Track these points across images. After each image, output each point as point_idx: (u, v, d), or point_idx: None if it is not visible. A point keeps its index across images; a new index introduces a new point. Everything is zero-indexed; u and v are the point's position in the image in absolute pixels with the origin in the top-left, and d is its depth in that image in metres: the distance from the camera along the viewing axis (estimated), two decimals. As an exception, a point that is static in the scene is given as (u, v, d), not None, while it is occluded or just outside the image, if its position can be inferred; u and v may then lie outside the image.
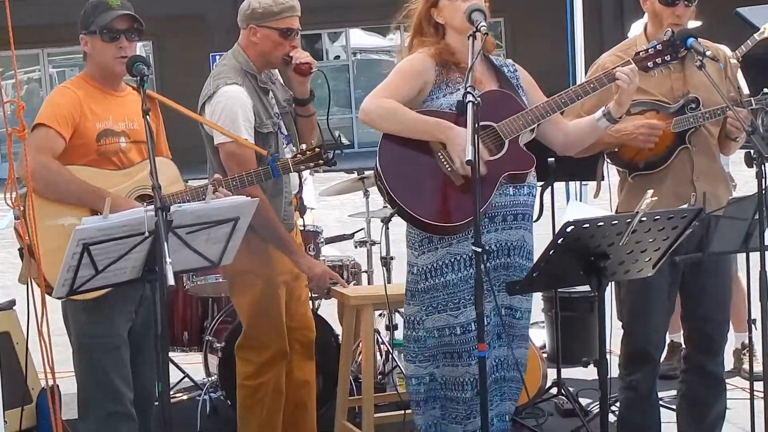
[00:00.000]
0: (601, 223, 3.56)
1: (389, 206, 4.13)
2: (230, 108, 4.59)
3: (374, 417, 5.10)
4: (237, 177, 4.31)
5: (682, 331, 4.96)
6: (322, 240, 5.88)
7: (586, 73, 5.48)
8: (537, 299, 5.30)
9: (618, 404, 4.65)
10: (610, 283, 4.06)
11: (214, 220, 3.68)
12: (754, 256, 4.17)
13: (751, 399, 4.37)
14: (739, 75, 5.48)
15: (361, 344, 5.43)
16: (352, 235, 6.74)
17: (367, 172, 6.19)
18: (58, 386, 3.99)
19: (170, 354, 5.85)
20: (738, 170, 4.95)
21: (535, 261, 3.83)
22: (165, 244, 3.37)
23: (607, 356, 3.84)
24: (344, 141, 4.75)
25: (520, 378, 4.21)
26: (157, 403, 4.17)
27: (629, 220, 3.57)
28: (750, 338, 4.89)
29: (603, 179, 4.92)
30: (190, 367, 6.33)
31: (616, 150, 4.51)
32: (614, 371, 4.59)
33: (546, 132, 4.23)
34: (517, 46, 22.95)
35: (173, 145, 4.45)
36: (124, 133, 4.19)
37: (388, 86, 4.10)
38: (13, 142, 3.93)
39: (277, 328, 4.79)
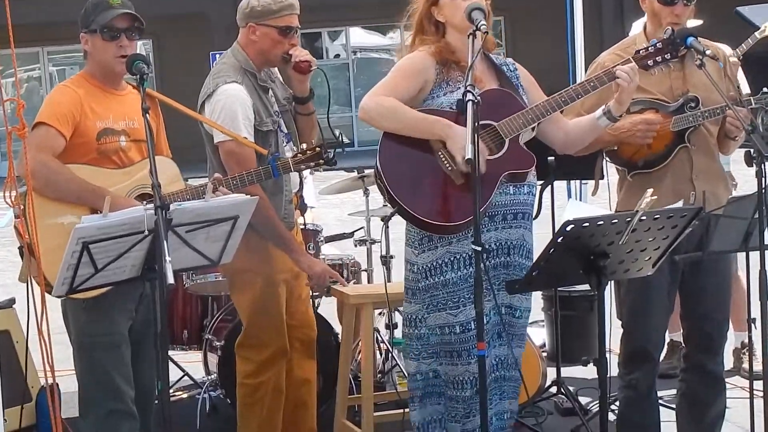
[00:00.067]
0: (601, 222, 3.56)
1: (389, 205, 4.12)
2: (230, 106, 4.59)
3: (374, 416, 5.10)
4: (237, 176, 4.31)
5: (681, 330, 4.96)
6: (322, 239, 5.88)
7: (586, 71, 5.48)
8: (537, 298, 5.31)
9: (617, 403, 4.66)
10: (609, 282, 4.06)
11: (214, 219, 3.68)
12: (754, 256, 4.17)
13: (751, 398, 4.37)
14: (740, 74, 5.48)
15: (360, 343, 5.43)
16: (351, 234, 6.74)
17: (367, 171, 6.20)
18: (57, 385, 3.99)
19: (170, 352, 5.85)
20: (738, 169, 4.95)
21: (534, 260, 3.83)
22: (164, 242, 3.38)
23: (607, 355, 3.84)
24: (345, 140, 4.75)
25: (519, 377, 4.21)
26: (156, 402, 4.17)
27: (629, 219, 3.57)
28: (750, 337, 4.88)
29: (602, 178, 4.92)
30: (189, 365, 6.33)
31: (615, 148, 4.51)
32: (614, 370, 4.59)
33: (546, 130, 4.23)
34: (517, 45, 22.96)
35: (173, 143, 4.45)
36: (125, 132, 4.19)
37: (388, 84, 4.10)
38: (13, 141, 3.93)
39: (277, 327, 4.79)
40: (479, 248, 3.57)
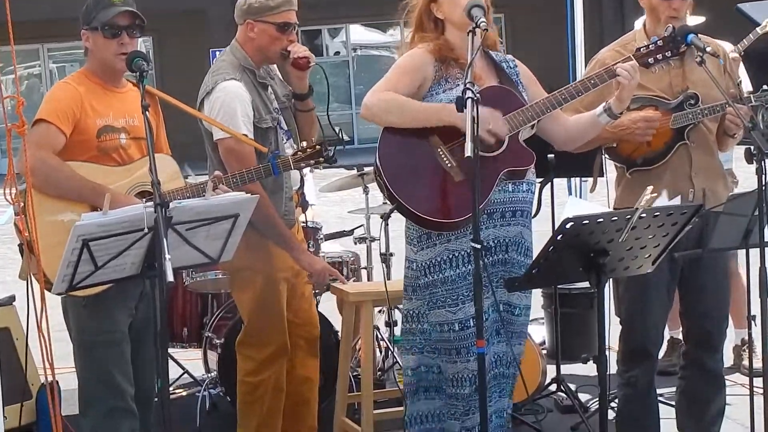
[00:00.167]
0: (601, 220, 3.55)
1: (388, 202, 4.12)
2: (229, 104, 4.59)
3: (373, 413, 5.10)
4: (237, 174, 4.30)
5: (681, 328, 4.96)
6: (322, 236, 5.88)
7: (586, 68, 5.48)
8: (537, 295, 5.31)
9: (617, 400, 4.66)
10: (609, 279, 4.06)
11: (214, 217, 3.68)
12: (754, 253, 4.16)
13: (751, 395, 4.37)
14: (741, 70, 5.48)
15: (360, 340, 5.43)
16: (351, 232, 6.74)
17: (366, 169, 6.19)
18: (57, 382, 4.00)
19: (170, 350, 5.85)
20: (738, 166, 4.95)
21: (533, 257, 3.82)
22: (164, 240, 3.37)
23: (607, 353, 3.84)
24: (345, 137, 4.75)
25: (517, 374, 4.21)
26: (156, 400, 4.17)
27: (629, 217, 3.56)
28: (750, 334, 4.89)
29: (602, 175, 4.92)
30: (189, 363, 6.34)
31: (615, 145, 4.51)
32: (614, 367, 4.59)
33: (546, 127, 4.22)
34: (518, 42, 22.93)
35: (173, 141, 4.45)
36: (125, 130, 4.19)
37: (389, 81, 4.09)
38: (13, 138, 3.93)
39: (277, 325, 4.79)
40: (478, 246, 3.56)
